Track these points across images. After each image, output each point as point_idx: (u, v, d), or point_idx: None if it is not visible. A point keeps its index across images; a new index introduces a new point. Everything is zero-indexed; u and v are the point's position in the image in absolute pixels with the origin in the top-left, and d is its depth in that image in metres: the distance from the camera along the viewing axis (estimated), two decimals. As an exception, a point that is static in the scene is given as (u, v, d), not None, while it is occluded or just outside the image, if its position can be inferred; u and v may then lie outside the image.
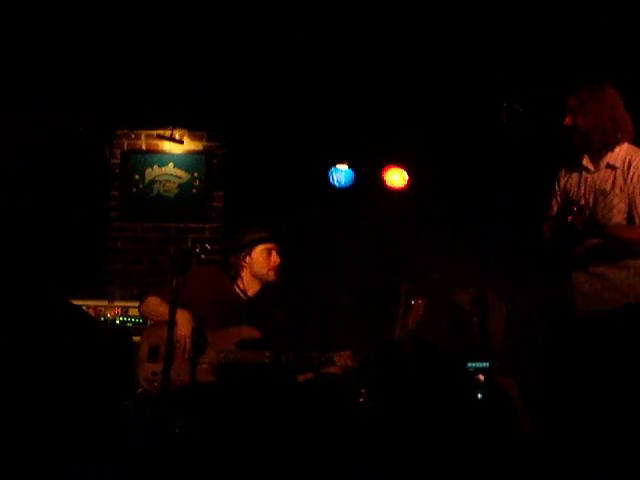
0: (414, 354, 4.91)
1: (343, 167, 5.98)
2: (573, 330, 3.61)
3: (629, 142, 3.67)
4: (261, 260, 4.26)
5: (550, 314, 3.76)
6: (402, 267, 5.81)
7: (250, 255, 4.28)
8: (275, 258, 4.27)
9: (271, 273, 4.27)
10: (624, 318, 3.49)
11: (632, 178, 3.56)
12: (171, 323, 3.63)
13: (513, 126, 3.50)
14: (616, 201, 3.57)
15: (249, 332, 4.08)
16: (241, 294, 4.30)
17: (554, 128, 3.70)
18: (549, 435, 3.97)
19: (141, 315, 4.38)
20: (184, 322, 3.99)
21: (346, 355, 4.10)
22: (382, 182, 5.97)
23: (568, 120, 3.64)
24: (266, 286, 4.32)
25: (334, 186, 6.00)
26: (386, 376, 4.74)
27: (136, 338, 4.92)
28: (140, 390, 4.03)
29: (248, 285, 4.31)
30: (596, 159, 3.68)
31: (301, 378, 4.20)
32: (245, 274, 4.30)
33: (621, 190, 3.57)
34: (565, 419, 3.63)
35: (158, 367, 3.85)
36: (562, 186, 3.82)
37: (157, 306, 4.12)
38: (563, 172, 3.85)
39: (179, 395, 3.80)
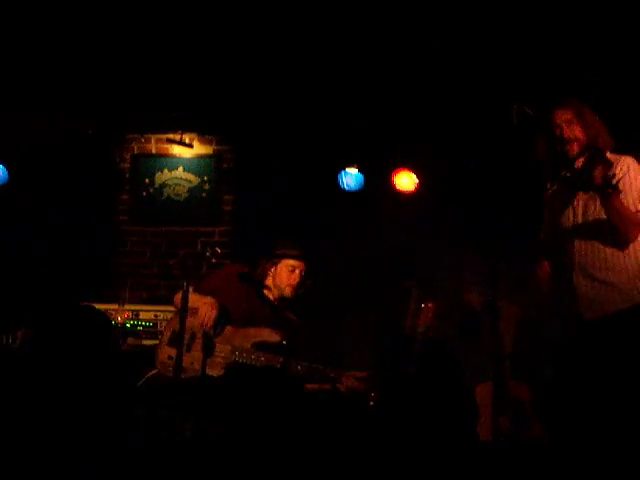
0: (425, 355, 4.92)
1: (353, 171, 5.98)
2: (582, 336, 3.60)
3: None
4: (283, 274, 4.37)
5: (559, 320, 3.76)
6: (412, 271, 5.80)
7: (276, 266, 4.40)
8: (296, 277, 4.36)
9: (288, 289, 4.36)
10: (629, 321, 3.48)
11: (617, 177, 3.52)
12: (182, 319, 3.69)
13: (523, 129, 3.50)
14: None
15: (269, 335, 4.12)
16: (266, 297, 4.40)
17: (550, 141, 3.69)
18: (560, 439, 3.97)
19: (175, 305, 4.41)
20: (209, 306, 4.09)
21: (353, 375, 4.09)
22: (392, 185, 5.96)
23: (568, 132, 3.62)
24: (284, 298, 4.40)
25: (344, 189, 6.00)
26: (395, 380, 4.75)
27: (147, 342, 4.96)
28: (154, 372, 4.08)
29: (270, 292, 4.42)
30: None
31: (309, 387, 4.23)
32: (269, 281, 4.42)
33: None
34: (575, 423, 3.63)
35: (174, 352, 3.89)
36: (551, 206, 3.81)
37: (189, 294, 4.16)
38: (549, 191, 3.84)
39: (189, 387, 3.84)
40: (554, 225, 3.75)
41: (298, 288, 4.38)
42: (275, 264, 4.39)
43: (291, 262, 4.37)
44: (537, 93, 3.98)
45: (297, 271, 4.37)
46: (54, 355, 4.25)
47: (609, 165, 3.36)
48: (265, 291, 4.41)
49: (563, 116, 3.62)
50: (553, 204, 3.78)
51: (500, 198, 4.99)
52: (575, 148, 3.61)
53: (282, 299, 4.40)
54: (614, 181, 3.33)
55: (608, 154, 3.54)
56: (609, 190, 3.33)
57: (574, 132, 3.60)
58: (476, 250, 5.17)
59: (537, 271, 3.86)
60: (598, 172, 3.38)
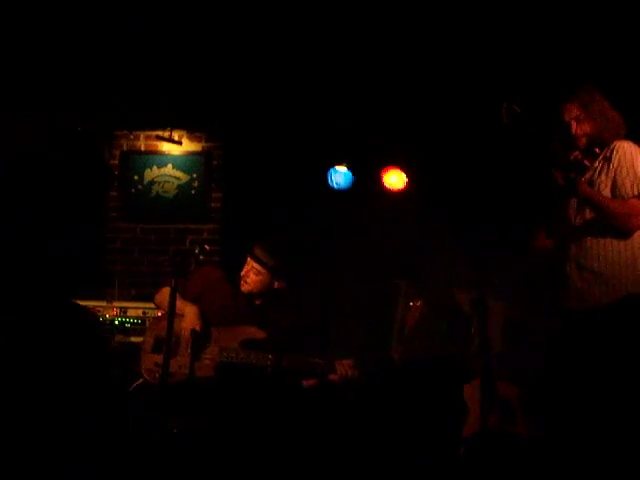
0: (406, 367, 4.90)
1: (342, 169, 5.98)
2: (568, 328, 3.63)
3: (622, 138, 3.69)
4: (245, 268, 4.31)
5: (550, 312, 3.79)
6: (401, 269, 5.80)
7: (247, 261, 4.33)
8: (247, 272, 4.27)
9: (242, 282, 4.29)
10: (617, 312, 3.51)
11: (613, 162, 3.58)
12: (170, 320, 3.66)
13: (512, 127, 3.51)
14: (602, 187, 3.60)
15: (254, 332, 4.10)
16: (249, 294, 4.34)
17: (556, 135, 3.71)
18: (549, 439, 3.98)
19: (155, 305, 4.38)
20: (191, 316, 4.06)
21: (347, 364, 4.10)
22: (381, 184, 5.96)
23: (577, 129, 3.64)
24: (266, 292, 4.33)
25: (333, 188, 6.00)
26: (381, 388, 4.76)
27: (135, 339, 4.94)
28: (141, 380, 4.04)
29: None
30: (594, 158, 3.69)
31: (306, 383, 4.20)
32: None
33: (606, 176, 3.60)
34: (564, 421, 3.64)
35: (161, 358, 3.84)
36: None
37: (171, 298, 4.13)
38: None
39: (178, 389, 3.83)
40: (558, 215, 3.78)
41: (247, 284, 4.26)
42: (247, 259, 4.32)
43: (252, 262, 4.29)
44: (526, 90, 3.99)
45: (252, 272, 4.26)
46: (40, 354, 4.22)
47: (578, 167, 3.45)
48: (247, 288, 4.32)
49: (571, 113, 3.66)
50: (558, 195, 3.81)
51: (489, 196, 5.01)
52: (583, 141, 3.66)
53: (267, 293, 4.32)
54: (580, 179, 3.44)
55: (619, 142, 3.59)
56: (572, 190, 3.46)
57: (582, 128, 3.65)
58: (465, 248, 5.17)
59: (534, 240, 3.87)
60: (558, 174, 3.49)
